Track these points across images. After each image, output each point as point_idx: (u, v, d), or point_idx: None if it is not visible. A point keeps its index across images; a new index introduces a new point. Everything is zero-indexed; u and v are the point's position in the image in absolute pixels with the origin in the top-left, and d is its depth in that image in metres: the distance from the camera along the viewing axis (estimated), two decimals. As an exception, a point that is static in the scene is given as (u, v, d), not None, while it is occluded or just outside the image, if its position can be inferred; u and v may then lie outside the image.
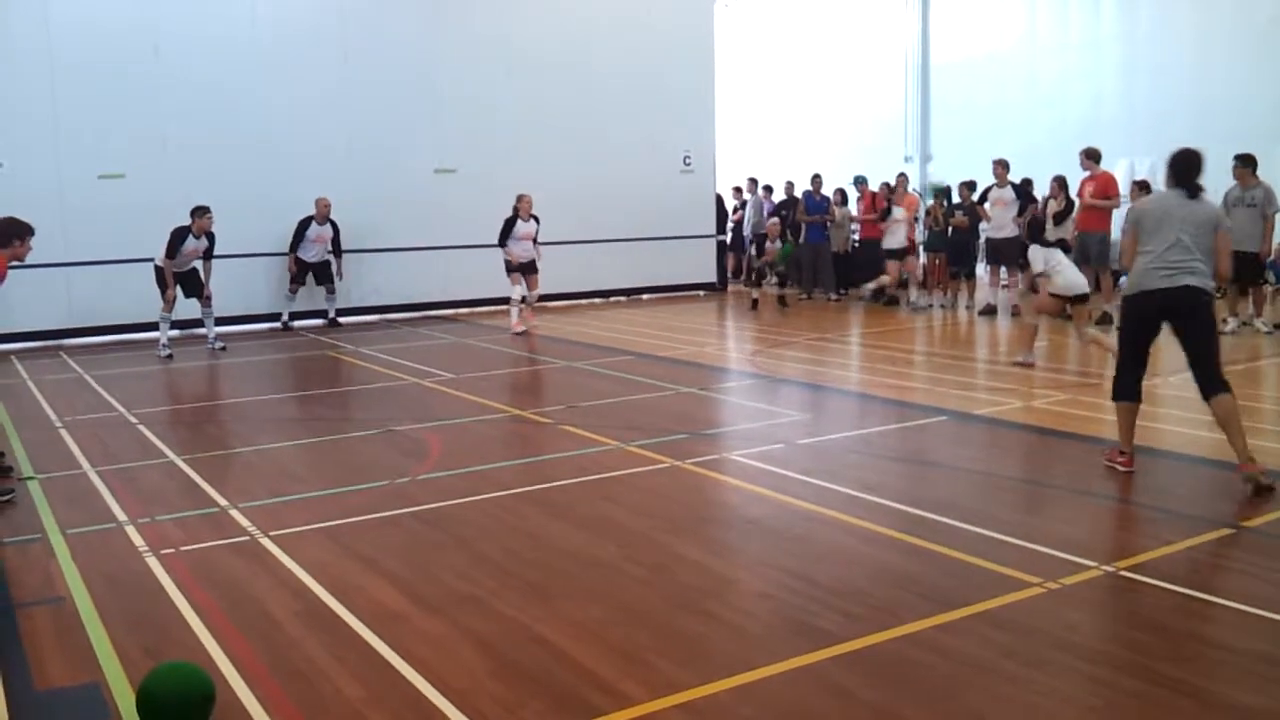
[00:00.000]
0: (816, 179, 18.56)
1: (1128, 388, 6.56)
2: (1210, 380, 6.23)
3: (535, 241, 14.33)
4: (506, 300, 14.89)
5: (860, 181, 17.78)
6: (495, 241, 14.25)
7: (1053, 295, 10.50)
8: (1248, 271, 12.23)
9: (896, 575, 4.91)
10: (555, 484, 6.53)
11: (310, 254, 15.25)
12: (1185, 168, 6.44)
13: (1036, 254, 10.60)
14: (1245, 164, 12.19)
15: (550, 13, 17.56)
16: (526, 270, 14.33)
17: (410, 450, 7.59)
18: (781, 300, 16.74)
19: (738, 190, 21.68)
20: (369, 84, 15.88)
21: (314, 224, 15.16)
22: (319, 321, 15.59)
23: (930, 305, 16.01)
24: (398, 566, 5.08)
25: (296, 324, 15.40)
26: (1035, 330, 10.78)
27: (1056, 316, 11.30)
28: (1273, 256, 13.16)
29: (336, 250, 15.34)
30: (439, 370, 11.03)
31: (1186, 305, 6.25)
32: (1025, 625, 4.24)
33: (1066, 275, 10.40)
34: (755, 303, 16.64)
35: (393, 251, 16.20)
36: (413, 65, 16.26)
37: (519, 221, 14.22)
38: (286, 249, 15.20)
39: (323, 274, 15.44)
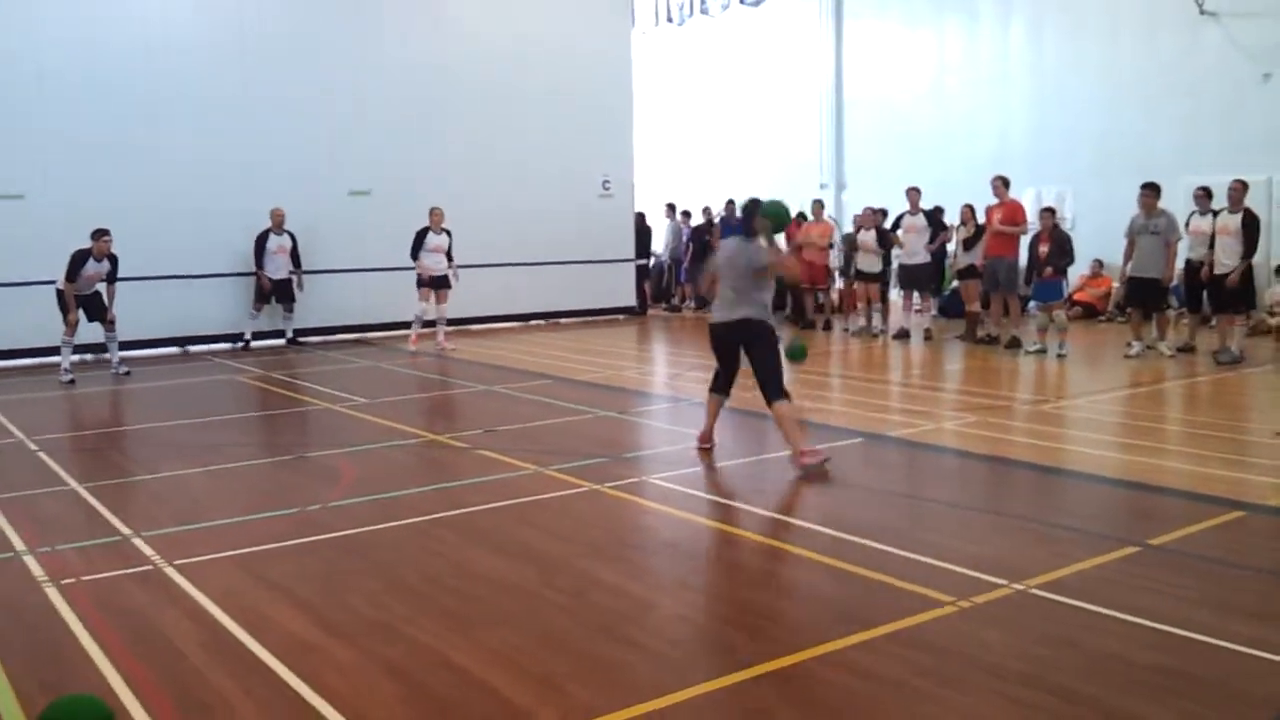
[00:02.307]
0: (730, 204, 18.75)
1: (720, 385, 7.89)
2: (770, 391, 7.39)
3: (449, 257, 14.46)
4: (429, 324, 14.75)
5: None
6: (410, 264, 14.44)
7: None
8: (1151, 297, 12.59)
9: (813, 596, 4.93)
10: (472, 509, 6.45)
11: (274, 268, 15.15)
12: (746, 216, 7.65)
13: None
14: (1154, 193, 12.53)
15: (469, 38, 17.51)
16: (438, 285, 14.46)
17: (322, 476, 7.44)
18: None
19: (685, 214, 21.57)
20: (283, 104, 15.65)
21: (272, 235, 15.04)
22: (228, 345, 15.30)
23: (861, 329, 15.91)
24: (308, 594, 4.97)
25: (194, 348, 15.16)
26: None
27: None
28: (1175, 282, 13.57)
29: (296, 261, 15.17)
30: (352, 395, 10.86)
31: (748, 334, 7.50)
32: (939, 644, 4.28)
33: None
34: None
35: (306, 274, 15.91)
36: (329, 87, 16.06)
37: (430, 234, 14.39)
38: (252, 268, 15.22)
39: (284, 292, 15.34)
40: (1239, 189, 12.25)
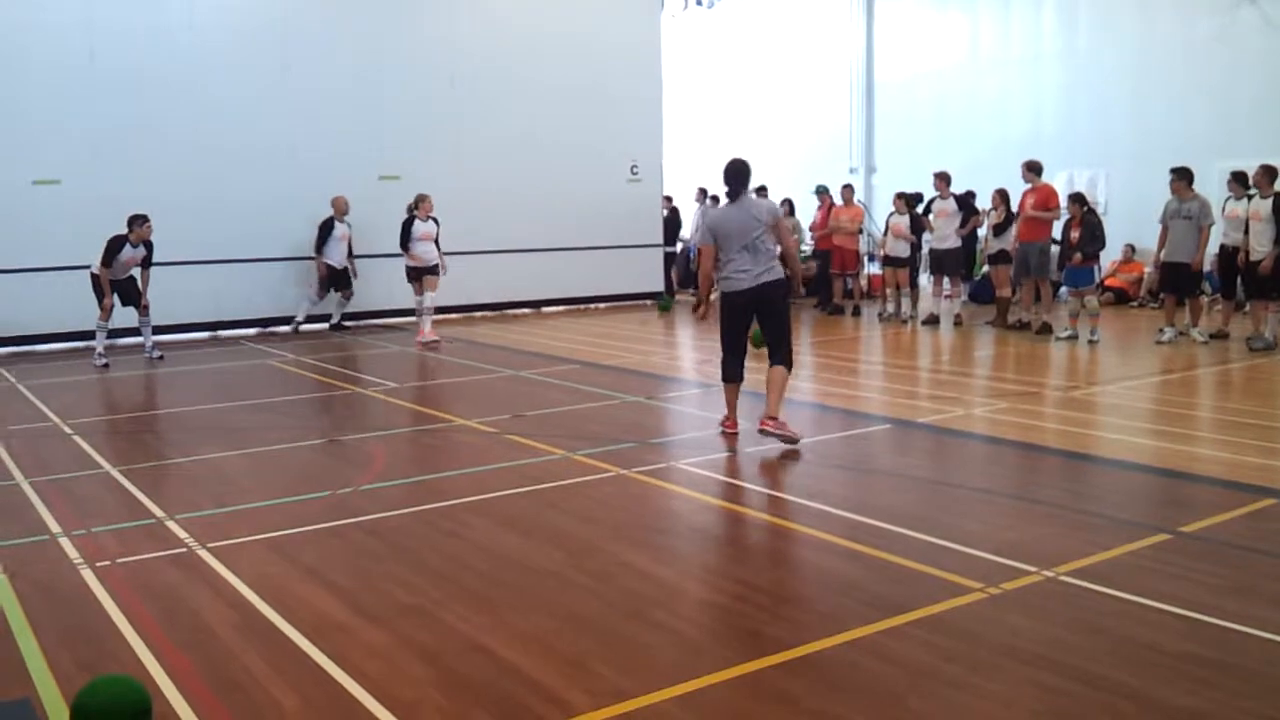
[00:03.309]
0: (762, 190, 18.63)
1: (735, 373, 7.90)
2: (778, 354, 7.62)
3: (438, 245, 13.93)
4: (459, 310, 14.75)
5: (822, 191, 17.78)
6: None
7: None
8: (1183, 282, 12.48)
9: (841, 582, 4.93)
10: (501, 494, 6.48)
11: (336, 255, 15.27)
12: (732, 177, 7.56)
13: None
14: (1181, 177, 12.43)
15: (498, 22, 17.51)
16: (427, 273, 13.88)
17: (353, 460, 7.50)
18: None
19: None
20: (312, 90, 15.72)
21: (337, 223, 15.13)
22: (251, 331, 15.42)
23: (890, 314, 15.84)
24: (339, 577, 5.01)
25: (225, 333, 15.29)
26: None
27: None
28: (1209, 267, 13.42)
29: (349, 249, 15.32)
30: (382, 379, 10.93)
31: (779, 294, 7.56)
32: (968, 630, 4.27)
33: None
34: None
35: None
36: (359, 74, 16.12)
37: (417, 222, 13.81)
38: (312, 252, 15.46)
39: (343, 279, 15.55)
40: (1262, 174, 12.09)
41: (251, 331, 15.45)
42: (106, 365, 12.08)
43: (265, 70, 15.43)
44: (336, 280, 15.54)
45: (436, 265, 13.92)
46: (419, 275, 13.94)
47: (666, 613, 4.56)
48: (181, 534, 5.73)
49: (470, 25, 17.26)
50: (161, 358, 12.67)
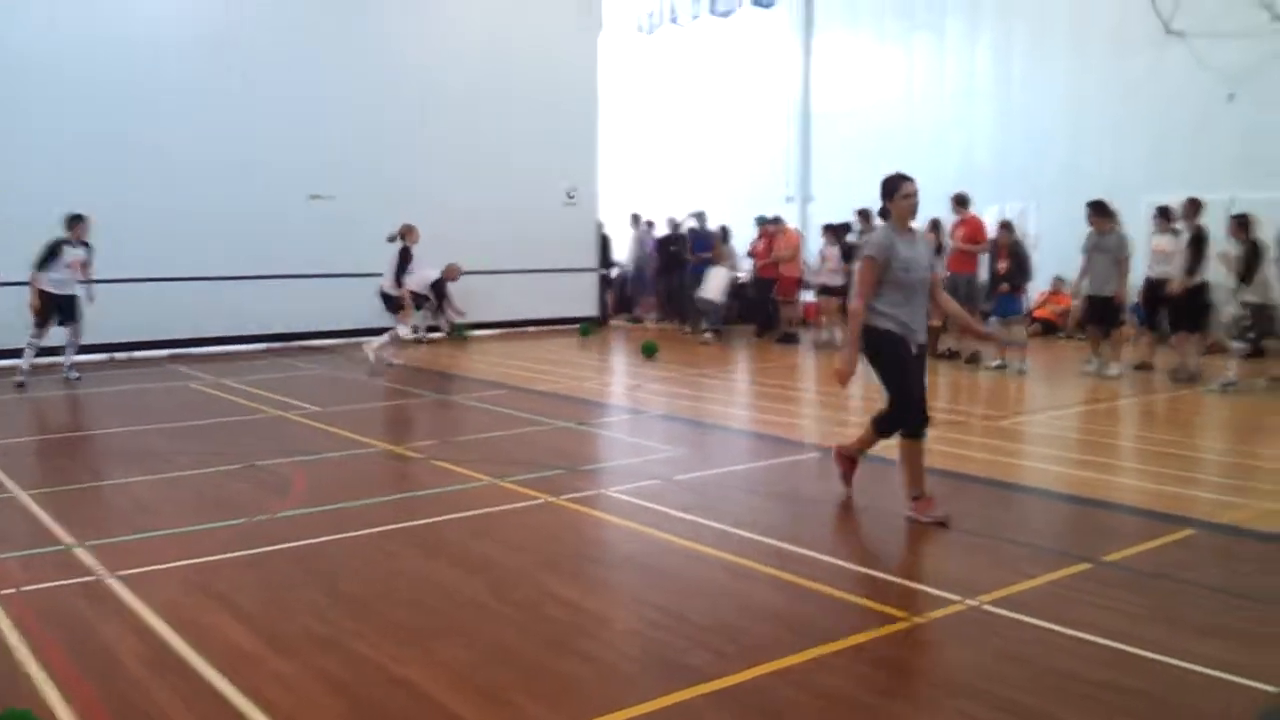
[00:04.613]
0: (700, 216, 18.73)
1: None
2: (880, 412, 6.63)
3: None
4: (381, 331, 14.54)
5: (762, 222, 17.90)
6: (390, 275, 13.57)
7: None
8: (1106, 315, 12.69)
9: (769, 611, 4.89)
10: (425, 520, 6.36)
11: (416, 282, 14.72)
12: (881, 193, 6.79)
13: None
14: (1098, 211, 12.59)
15: (433, 44, 17.44)
16: (405, 304, 13.72)
17: (273, 486, 7.32)
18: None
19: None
20: (249, 106, 15.51)
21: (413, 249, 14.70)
22: (167, 352, 15.11)
23: (825, 342, 15.98)
24: (253, 607, 4.87)
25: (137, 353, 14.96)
26: None
27: None
28: (1135, 299, 13.67)
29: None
30: (305, 403, 10.73)
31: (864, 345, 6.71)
32: (894, 659, 4.25)
33: None
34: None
35: (263, 279, 15.73)
36: (294, 89, 15.93)
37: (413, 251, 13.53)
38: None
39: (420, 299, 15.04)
40: (1188, 206, 12.39)
41: (164, 353, 15.09)
42: (22, 384, 11.73)
43: (208, 88, 15.21)
44: (418, 301, 14.86)
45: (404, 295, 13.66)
46: (398, 306, 13.59)
47: (592, 643, 4.48)
48: (90, 561, 5.53)
49: (406, 49, 17.14)
50: (79, 378, 12.34)
